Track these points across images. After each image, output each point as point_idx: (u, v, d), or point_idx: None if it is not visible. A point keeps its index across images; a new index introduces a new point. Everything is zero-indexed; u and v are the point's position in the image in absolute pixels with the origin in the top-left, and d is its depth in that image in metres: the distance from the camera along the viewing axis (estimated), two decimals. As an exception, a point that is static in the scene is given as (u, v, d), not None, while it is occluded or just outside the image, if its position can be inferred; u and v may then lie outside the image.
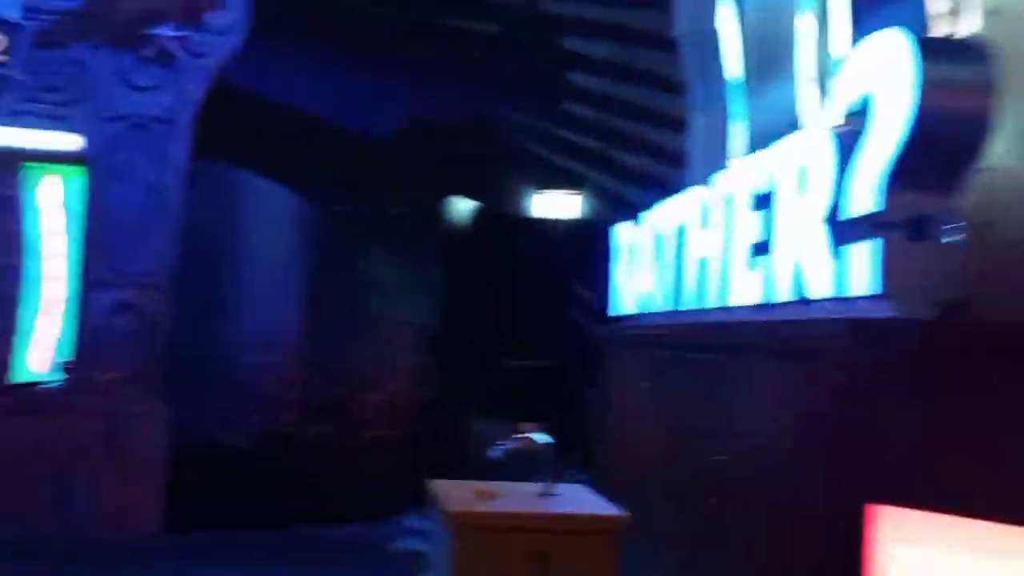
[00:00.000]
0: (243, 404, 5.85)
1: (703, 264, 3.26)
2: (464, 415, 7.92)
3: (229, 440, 5.78)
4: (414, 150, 8.25)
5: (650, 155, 8.85)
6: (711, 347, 3.07)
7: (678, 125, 8.54)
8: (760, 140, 3.36)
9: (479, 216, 7.66)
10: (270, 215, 6.03)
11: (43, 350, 5.36)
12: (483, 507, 2.54)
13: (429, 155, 8.13)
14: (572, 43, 9.07)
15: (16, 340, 5.25)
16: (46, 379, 5.25)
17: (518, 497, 2.69)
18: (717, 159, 3.93)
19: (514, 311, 9.54)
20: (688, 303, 3.35)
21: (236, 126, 7.03)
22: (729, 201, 3.05)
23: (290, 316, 6.09)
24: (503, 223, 8.52)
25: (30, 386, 5.18)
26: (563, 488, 2.76)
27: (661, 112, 8.73)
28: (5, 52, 5.21)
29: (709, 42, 4.05)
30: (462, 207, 7.45)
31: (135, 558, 5.01)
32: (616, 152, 9.15)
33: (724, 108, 3.90)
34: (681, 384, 3.31)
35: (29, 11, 5.29)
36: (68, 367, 5.03)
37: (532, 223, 9.28)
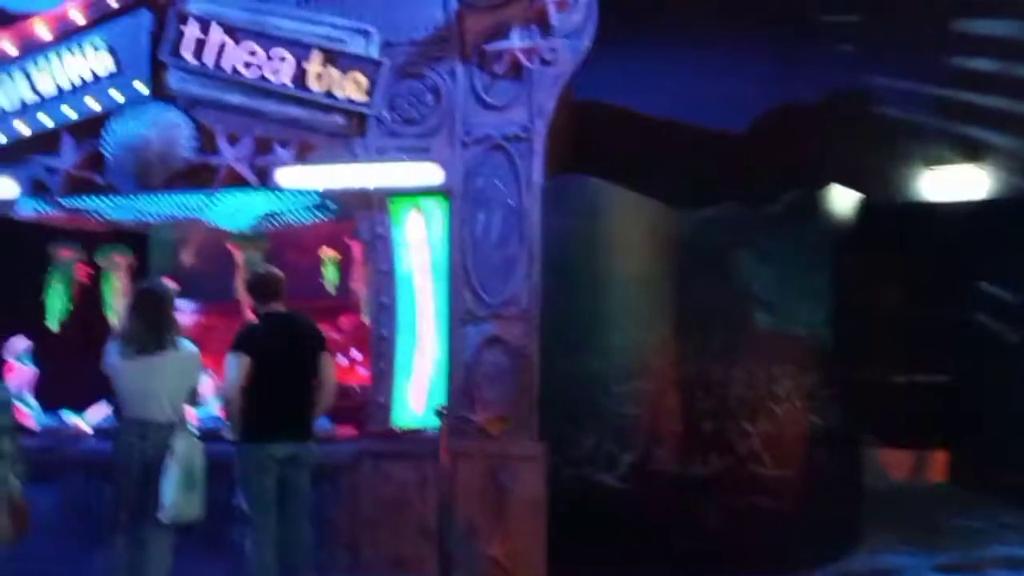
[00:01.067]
0: (615, 439, 5.26)
1: None
2: (857, 442, 6.67)
3: (602, 480, 5.22)
4: (778, 141, 7.23)
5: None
6: None
7: None
8: None
9: (861, 206, 6.40)
10: (630, 227, 5.39)
11: (420, 391, 5.22)
12: None
13: (796, 144, 7.05)
14: (959, -16, 7.45)
15: (396, 382, 5.17)
16: (423, 423, 5.08)
17: None
18: None
19: (907, 316, 8.03)
20: None
21: (584, 137, 6.58)
22: None
23: (661, 338, 5.39)
24: (889, 211, 7.14)
25: (410, 432, 5.04)
26: None
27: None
28: (367, 92, 5.17)
29: None
30: (840, 198, 6.24)
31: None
32: (1034, 109, 7.31)
33: None
34: None
35: (385, 46, 5.23)
36: (442, 411, 4.79)
37: (924, 208, 7.75)
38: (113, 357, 4.03)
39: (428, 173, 5.18)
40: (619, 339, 5.28)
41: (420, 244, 5.28)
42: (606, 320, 5.26)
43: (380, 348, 5.19)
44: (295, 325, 4.21)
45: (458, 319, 5.14)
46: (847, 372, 6.01)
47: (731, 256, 5.51)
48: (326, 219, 6.15)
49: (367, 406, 5.23)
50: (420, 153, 5.21)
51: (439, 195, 5.22)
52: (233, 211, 6.21)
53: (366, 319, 6.05)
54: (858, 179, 6.45)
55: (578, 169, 5.62)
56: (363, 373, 6.70)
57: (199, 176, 5.33)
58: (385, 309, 5.20)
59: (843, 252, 6.07)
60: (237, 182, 5.32)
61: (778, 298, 5.61)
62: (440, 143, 5.21)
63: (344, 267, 6.77)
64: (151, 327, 4.00)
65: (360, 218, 5.30)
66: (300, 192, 5.61)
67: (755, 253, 5.55)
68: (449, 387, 5.12)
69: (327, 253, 6.72)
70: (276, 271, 4.28)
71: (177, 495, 3.89)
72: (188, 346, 4.09)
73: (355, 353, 6.79)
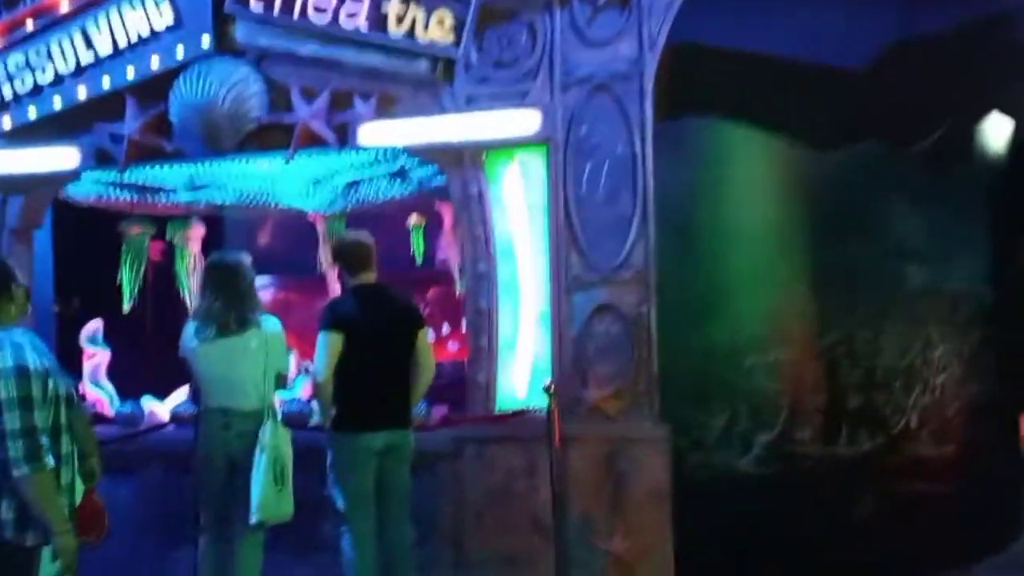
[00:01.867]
0: (748, 419, 4.61)
1: None
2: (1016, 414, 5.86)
3: (734, 465, 4.59)
4: (910, 74, 6.36)
5: None
6: None
7: None
8: None
9: (1015, 142, 5.54)
10: (759, 174, 4.69)
11: (524, 368, 4.65)
12: None
13: (932, 78, 6.18)
14: None
15: (499, 360, 4.60)
16: (530, 404, 4.52)
17: None
18: None
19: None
20: None
21: (688, 81, 5.85)
22: None
23: (798, 300, 4.69)
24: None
25: (517, 414, 4.48)
26: None
27: None
28: (454, 32, 4.58)
29: None
30: (998, 131, 5.39)
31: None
32: None
33: None
34: None
35: (472, -20, 4.61)
36: (549, 388, 4.22)
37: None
38: (189, 340, 3.57)
39: (525, 121, 4.56)
40: (749, 304, 4.61)
41: (519, 203, 4.68)
42: (734, 282, 4.60)
43: (479, 322, 4.63)
44: (389, 299, 3.69)
45: (564, 286, 4.54)
46: (1014, 333, 5.21)
47: (876, 203, 4.76)
48: (408, 193, 5.63)
49: (466, 386, 4.69)
50: (516, 99, 4.60)
51: (539, 146, 4.60)
52: (308, 186, 5.75)
53: (458, 290, 5.53)
54: (1011, 111, 5.59)
55: (686, 112, 4.92)
56: (452, 349, 6.20)
57: (272, 137, 4.83)
58: (483, 278, 4.63)
59: (1005, 193, 5.24)
60: (314, 142, 4.81)
61: (932, 250, 4.85)
62: (538, 87, 4.58)
63: (429, 235, 6.26)
64: (229, 304, 3.52)
65: (451, 177, 4.73)
66: (381, 158, 5.09)
67: (904, 198, 4.79)
68: (556, 362, 4.54)
69: (412, 221, 6.21)
70: (366, 237, 3.74)
71: (267, 494, 3.44)
72: (273, 323, 3.60)
73: (444, 328, 6.29)
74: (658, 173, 4.48)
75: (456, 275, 5.54)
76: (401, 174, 5.50)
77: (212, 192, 5.79)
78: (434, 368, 3.85)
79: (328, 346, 3.50)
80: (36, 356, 2.57)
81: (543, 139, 4.56)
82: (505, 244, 4.66)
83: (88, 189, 5.52)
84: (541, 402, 4.40)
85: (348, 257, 3.67)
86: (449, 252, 5.64)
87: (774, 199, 4.64)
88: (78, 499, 2.75)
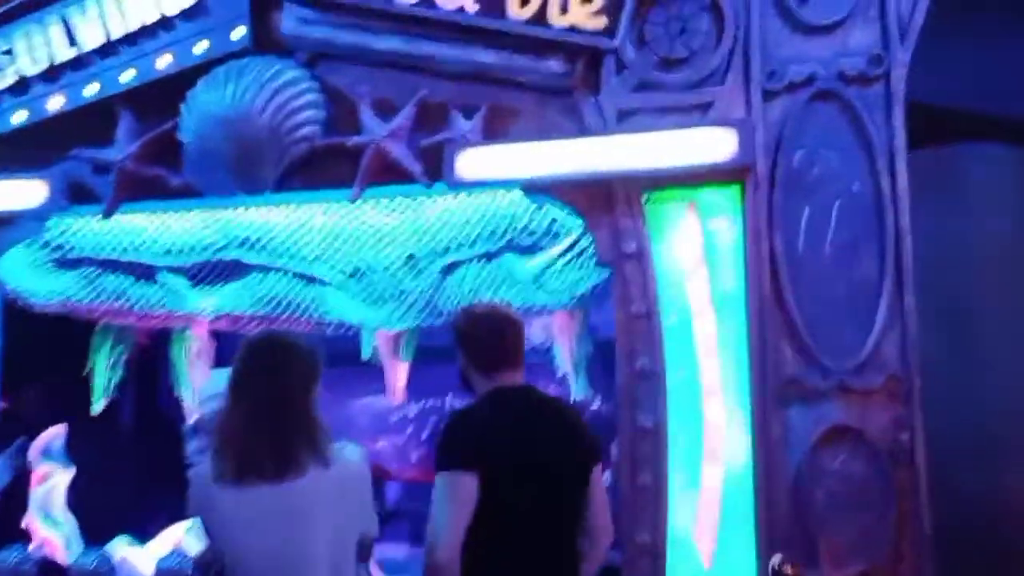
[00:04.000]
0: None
1: None
2: None
3: None
4: None
5: None
6: None
7: None
8: None
9: None
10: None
11: (709, 524, 2.97)
12: None
13: None
14: None
15: (669, 509, 2.92)
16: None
17: None
18: None
19: None
20: None
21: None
22: None
23: None
24: None
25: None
26: None
27: None
28: (606, 15, 3.13)
29: None
30: None
31: None
32: None
33: None
34: None
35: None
36: (784, 569, 2.55)
37: None
38: (202, 486, 1.88)
39: (709, 144, 3.05)
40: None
41: (699, 265, 3.11)
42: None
43: (639, 447, 2.98)
44: (549, 412, 2.06)
45: (774, 395, 2.93)
46: None
47: None
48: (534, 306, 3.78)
49: (624, 553, 2.98)
50: (693, 113, 3.11)
51: (730, 181, 3.08)
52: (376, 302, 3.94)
53: (574, 393, 3.89)
54: None
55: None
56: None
57: (331, 167, 3.33)
58: (647, 380, 3.00)
59: None
60: (391, 176, 3.30)
61: None
62: (727, 95, 3.10)
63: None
64: (274, 427, 1.87)
65: (596, 228, 3.16)
66: (491, 211, 3.45)
67: None
68: (763, 518, 2.87)
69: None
70: (509, 311, 2.13)
71: None
72: (349, 455, 1.94)
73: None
74: (916, 221, 2.96)
75: (570, 372, 3.91)
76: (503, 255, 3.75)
77: (228, 293, 3.97)
78: (611, 527, 2.19)
79: (455, 497, 1.84)
80: None
81: (737, 170, 3.05)
82: (680, 329, 3.07)
83: (34, 284, 3.78)
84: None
85: (481, 343, 2.03)
86: (557, 335, 4.01)
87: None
88: None
